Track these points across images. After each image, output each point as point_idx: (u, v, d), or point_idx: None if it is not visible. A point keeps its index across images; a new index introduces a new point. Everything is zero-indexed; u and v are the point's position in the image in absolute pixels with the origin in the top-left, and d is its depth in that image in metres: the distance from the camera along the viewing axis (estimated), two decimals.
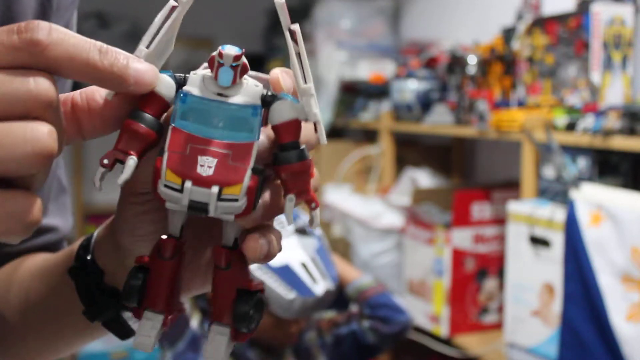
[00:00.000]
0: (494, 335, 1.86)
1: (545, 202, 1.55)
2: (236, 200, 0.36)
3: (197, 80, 0.38)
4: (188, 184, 0.36)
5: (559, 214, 1.46)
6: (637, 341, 1.28)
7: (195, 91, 0.37)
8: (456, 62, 2.02)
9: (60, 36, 0.33)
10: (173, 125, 0.37)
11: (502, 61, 1.89)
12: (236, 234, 0.40)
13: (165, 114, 0.38)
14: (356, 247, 2.22)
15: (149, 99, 0.37)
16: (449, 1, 2.63)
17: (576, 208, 1.39)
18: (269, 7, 3.44)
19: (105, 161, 0.37)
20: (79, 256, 0.50)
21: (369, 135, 2.70)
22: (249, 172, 0.36)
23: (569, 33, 1.66)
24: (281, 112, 0.38)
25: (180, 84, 0.38)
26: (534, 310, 1.56)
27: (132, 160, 0.36)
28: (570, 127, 1.50)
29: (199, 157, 0.36)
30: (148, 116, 0.37)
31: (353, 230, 2.25)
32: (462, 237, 1.89)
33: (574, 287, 1.39)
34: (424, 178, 2.28)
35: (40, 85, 0.32)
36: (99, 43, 0.34)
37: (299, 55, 0.37)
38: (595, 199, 1.37)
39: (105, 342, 2.98)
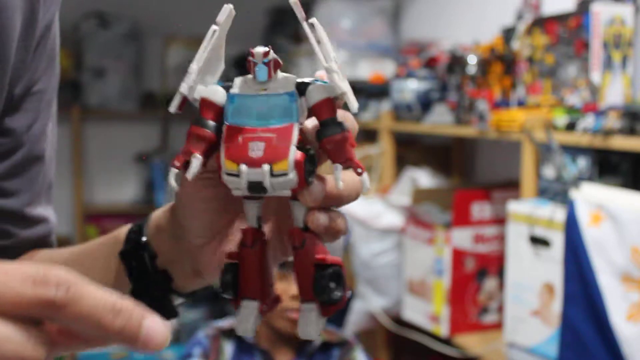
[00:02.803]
0: (494, 335, 1.86)
1: (545, 202, 1.55)
2: (286, 174, 0.41)
3: (240, 82, 0.44)
4: (243, 167, 0.41)
5: (559, 214, 1.46)
6: (637, 341, 1.28)
7: (239, 91, 0.43)
8: (456, 62, 2.02)
9: (77, 295, 0.32)
10: (226, 123, 0.43)
11: (502, 61, 1.88)
12: (304, 216, 0.45)
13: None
14: (356, 247, 2.22)
15: (207, 107, 0.43)
16: (448, 1, 2.63)
17: (576, 208, 1.39)
18: (269, 7, 3.44)
19: (177, 163, 0.43)
20: (129, 239, 0.54)
21: (369, 135, 2.70)
22: (292, 148, 0.41)
23: (569, 33, 1.66)
24: (314, 94, 0.43)
25: (229, 89, 0.44)
26: (534, 310, 1.56)
27: (196, 159, 0.42)
28: (570, 127, 1.50)
29: (249, 144, 0.42)
30: (208, 121, 0.43)
31: (353, 230, 2.24)
32: (462, 237, 1.89)
33: (574, 287, 1.39)
34: (424, 178, 2.28)
35: (35, 352, 0.32)
36: (115, 302, 0.33)
37: (318, 42, 0.42)
38: (595, 199, 1.37)
39: None
